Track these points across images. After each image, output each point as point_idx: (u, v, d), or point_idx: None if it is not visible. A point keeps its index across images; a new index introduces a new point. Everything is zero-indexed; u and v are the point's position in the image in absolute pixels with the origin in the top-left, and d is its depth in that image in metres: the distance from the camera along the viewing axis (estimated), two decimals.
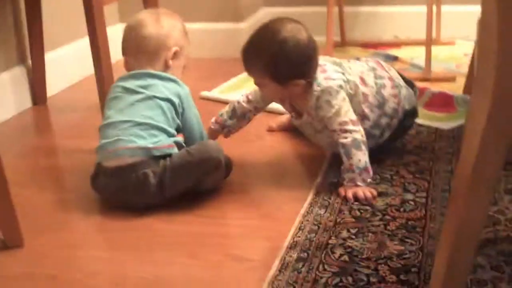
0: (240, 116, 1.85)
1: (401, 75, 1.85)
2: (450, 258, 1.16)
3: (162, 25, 1.71)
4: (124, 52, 1.74)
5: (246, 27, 2.89)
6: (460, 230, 1.13)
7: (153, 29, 1.69)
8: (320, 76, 1.68)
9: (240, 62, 1.71)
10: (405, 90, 1.80)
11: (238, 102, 1.86)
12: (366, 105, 1.73)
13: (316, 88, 1.67)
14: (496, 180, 1.10)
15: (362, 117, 1.73)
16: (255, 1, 3.12)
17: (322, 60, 1.73)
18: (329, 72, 1.69)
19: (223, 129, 1.87)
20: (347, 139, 1.63)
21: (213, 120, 1.88)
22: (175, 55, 1.71)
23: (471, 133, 1.11)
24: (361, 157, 1.62)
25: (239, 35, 2.84)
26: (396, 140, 1.86)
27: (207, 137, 1.77)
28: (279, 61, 1.63)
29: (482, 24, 1.09)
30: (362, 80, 1.74)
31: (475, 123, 1.09)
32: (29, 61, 2.38)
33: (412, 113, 1.82)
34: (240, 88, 2.41)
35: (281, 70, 1.64)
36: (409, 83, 1.85)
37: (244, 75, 2.49)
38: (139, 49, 1.70)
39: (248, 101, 1.84)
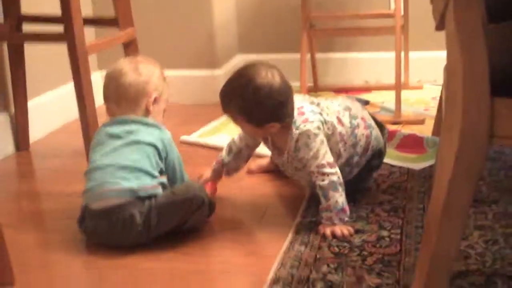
0: (236, 154, 1.93)
1: (372, 117, 1.94)
2: None
3: (140, 72, 1.77)
4: (106, 100, 1.81)
5: (222, 74, 2.98)
6: (433, 262, 1.21)
7: (132, 77, 1.76)
8: (298, 119, 1.75)
9: (218, 107, 1.80)
10: (375, 131, 1.89)
11: (233, 140, 1.94)
12: (341, 144, 1.82)
13: (294, 131, 1.75)
14: (466, 214, 1.18)
15: (337, 156, 1.81)
16: (230, 48, 3.22)
17: (300, 100, 1.81)
18: (307, 114, 1.77)
19: (223, 168, 1.94)
20: (324, 182, 1.71)
21: (214, 161, 1.96)
22: (155, 100, 1.78)
23: (441, 172, 1.19)
24: (338, 198, 1.69)
25: (216, 81, 2.93)
26: (366, 180, 1.94)
27: (188, 178, 1.84)
28: (253, 107, 1.71)
29: (448, 71, 1.19)
30: (339, 120, 1.82)
31: (444, 162, 1.17)
32: (13, 108, 2.44)
33: (379, 154, 1.91)
34: (218, 132, 2.49)
35: (255, 115, 1.73)
36: (379, 124, 1.94)
37: (222, 120, 2.58)
38: (120, 97, 1.77)
39: (240, 139, 1.92)
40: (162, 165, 1.74)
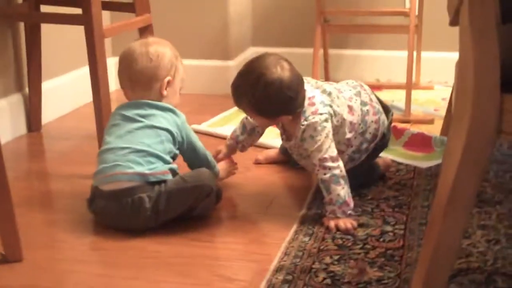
0: (250, 131, 1.96)
1: (378, 99, 1.94)
2: (426, 283, 1.25)
3: (151, 57, 1.78)
4: (121, 85, 1.84)
5: (235, 65, 3.00)
6: (435, 255, 1.22)
7: (143, 64, 1.77)
8: (308, 110, 1.76)
9: (229, 98, 1.82)
10: (383, 116, 1.91)
11: (246, 118, 1.95)
12: (351, 133, 1.83)
13: (303, 121, 1.76)
14: (470, 208, 1.20)
15: (347, 145, 1.83)
16: (244, 41, 3.24)
17: (312, 89, 1.80)
18: (317, 105, 1.77)
19: (238, 144, 1.98)
20: (326, 175, 1.72)
21: (228, 137, 2.01)
22: (168, 83, 1.80)
23: (448, 164, 1.21)
24: (340, 191, 1.71)
25: (228, 73, 2.96)
26: (370, 160, 1.95)
27: (211, 156, 1.88)
28: (264, 102, 1.72)
29: (460, 66, 1.20)
30: (350, 108, 1.82)
31: (452, 155, 1.19)
32: (26, 89, 2.47)
33: (382, 136, 1.92)
34: (229, 122, 2.51)
35: (266, 110, 1.75)
36: (384, 107, 1.94)
37: (232, 110, 2.60)
38: (133, 83, 1.79)
39: None
40: (175, 150, 1.76)
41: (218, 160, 1.94)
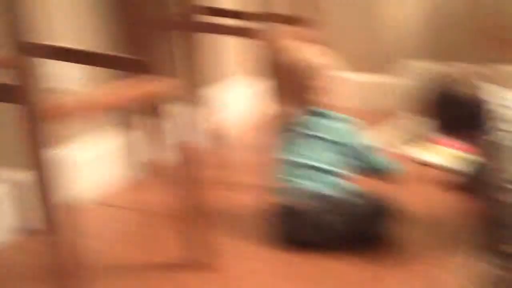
0: None
1: None
2: None
3: (300, 69, 1.81)
4: (280, 100, 1.94)
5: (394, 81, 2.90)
6: None
7: (291, 77, 1.84)
8: None
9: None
10: None
11: None
12: None
13: None
14: None
15: None
16: (411, 54, 3.03)
17: None
18: None
19: None
20: None
21: None
22: (319, 88, 1.82)
23: None
24: None
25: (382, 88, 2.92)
26: None
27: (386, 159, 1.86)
28: None
29: None
30: None
31: None
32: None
33: None
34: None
35: None
36: None
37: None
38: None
39: None
40: (351, 163, 1.78)
41: None
